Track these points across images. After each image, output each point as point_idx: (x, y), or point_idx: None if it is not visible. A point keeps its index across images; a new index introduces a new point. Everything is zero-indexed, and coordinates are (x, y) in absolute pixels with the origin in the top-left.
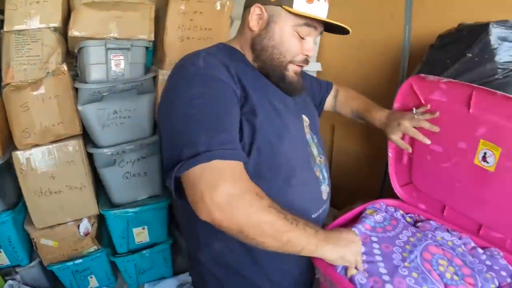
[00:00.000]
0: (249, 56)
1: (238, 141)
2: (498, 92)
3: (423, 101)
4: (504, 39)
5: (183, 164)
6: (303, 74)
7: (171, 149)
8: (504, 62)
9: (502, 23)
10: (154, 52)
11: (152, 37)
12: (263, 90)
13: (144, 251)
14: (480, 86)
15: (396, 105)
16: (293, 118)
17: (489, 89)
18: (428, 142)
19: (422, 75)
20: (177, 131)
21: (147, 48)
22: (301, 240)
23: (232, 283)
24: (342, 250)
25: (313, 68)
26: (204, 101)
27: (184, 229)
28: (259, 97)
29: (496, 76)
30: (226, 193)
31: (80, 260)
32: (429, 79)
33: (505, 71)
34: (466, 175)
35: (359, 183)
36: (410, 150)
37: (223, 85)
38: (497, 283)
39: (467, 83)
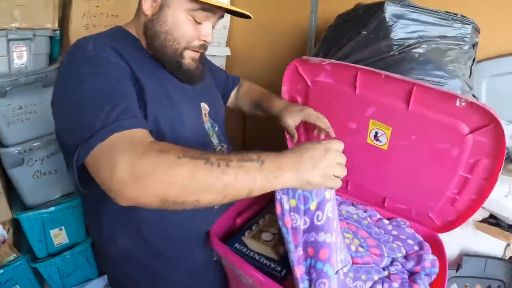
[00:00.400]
0: (144, 42)
1: (137, 109)
2: (382, 72)
3: (309, 83)
4: (399, 16)
5: (80, 150)
6: (209, 63)
7: (71, 138)
8: (399, 39)
9: (398, 1)
10: (62, 41)
11: (57, 26)
12: (156, 76)
13: (64, 253)
14: (364, 67)
15: (284, 87)
16: (189, 107)
17: (373, 69)
18: (333, 135)
19: (305, 57)
20: (72, 117)
21: (52, 37)
22: (242, 181)
23: (147, 280)
24: (306, 174)
25: (221, 52)
26: (94, 79)
27: (90, 224)
28: (150, 84)
29: (391, 53)
30: (126, 165)
31: (1, 271)
32: (312, 61)
33: (400, 47)
34: (362, 154)
35: None
36: (295, 139)
37: (113, 64)
38: (404, 252)
39: (351, 64)
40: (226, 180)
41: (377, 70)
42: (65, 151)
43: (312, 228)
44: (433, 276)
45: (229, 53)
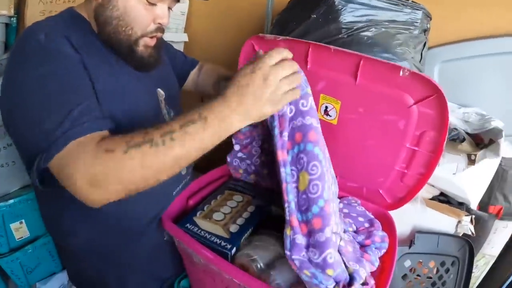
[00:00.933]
0: (95, 27)
1: (95, 107)
2: (331, 46)
3: None
4: (349, 1)
5: (40, 158)
6: (165, 46)
7: (30, 142)
8: (348, 22)
9: None
10: (18, 29)
11: (13, 12)
12: (109, 65)
13: (26, 247)
14: (315, 42)
15: (240, 65)
16: (145, 94)
17: (323, 44)
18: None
19: (261, 34)
20: (28, 120)
21: (7, 24)
22: (191, 147)
23: (110, 269)
24: (255, 110)
25: (179, 38)
26: (49, 80)
27: (46, 218)
28: (102, 76)
29: (340, 36)
30: (81, 175)
31: None
32: (268, 38)
33: (349, 30)
34: None
35: (229, 149)
36: None
37: (67, 57)
38: (354, 228)
39: (303, 40)
40: (175, 153)
41: (326, 45)
42: (21, 150)
43: (298, 113)
44: (383, 251)
45: (186, 39)
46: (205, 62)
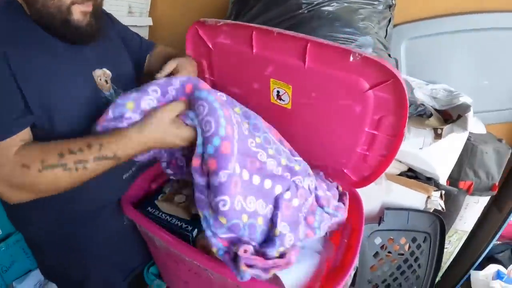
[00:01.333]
0: (27, 9)
1: (13, 107)
2: (274, 30)
3: (210, 46)
4: None
5: None
6: (122, 28)
7: None
8: None
9: None
10: None
11: None
12: (39, 50)
13: None
14: (258, 25)
15: (187, 51)
16: (77, 76)
17: (266, 27)
18: None
19: (203, 19)
20: None
21: None
22: (103, 170)
23: (74, 262)
24: (158, 142)
25: (143, 23)
26: None
27: (6, 209)
28: (29, 64)
29: (300, 11)
30: (1, 184)
31: None
32: (209, 23)
33: (309, 5)
34: (268, 114)
35: None
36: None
37: None
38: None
39: (245, 24)
40: (88, 177)
41: (270, 28)
42: None
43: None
44: (334, 219)
45: (151, 23)
46: (159, 44)
